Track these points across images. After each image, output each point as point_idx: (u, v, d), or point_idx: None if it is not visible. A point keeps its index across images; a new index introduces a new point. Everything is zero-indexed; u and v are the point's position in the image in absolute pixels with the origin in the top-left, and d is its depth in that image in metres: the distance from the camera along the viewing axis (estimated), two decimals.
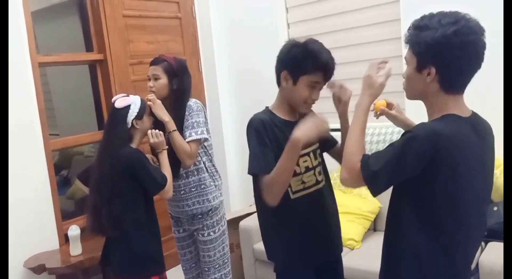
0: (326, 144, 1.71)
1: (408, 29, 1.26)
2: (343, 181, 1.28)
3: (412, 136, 1.18)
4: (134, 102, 1.95)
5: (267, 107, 1.67)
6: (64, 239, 2.72)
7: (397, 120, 1.55)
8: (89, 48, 3.09)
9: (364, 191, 2.85)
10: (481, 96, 2.50)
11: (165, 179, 1.94)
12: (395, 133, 2.79)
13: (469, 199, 1.25)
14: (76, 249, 2.53)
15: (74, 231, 2.53)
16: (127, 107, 1.93)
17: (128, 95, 1.99)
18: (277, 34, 3.41)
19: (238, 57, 3.63)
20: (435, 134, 1.16)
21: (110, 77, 3.04)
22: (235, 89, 3.69)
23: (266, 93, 3.48)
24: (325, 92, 1.71)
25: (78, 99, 3.67)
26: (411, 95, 1.32)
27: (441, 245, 1.25)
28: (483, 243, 2.26)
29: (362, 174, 1.22)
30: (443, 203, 1.22)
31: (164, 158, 2.02)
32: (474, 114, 1.29)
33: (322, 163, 1.69)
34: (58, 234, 2.73)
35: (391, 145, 1.23)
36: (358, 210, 2.70)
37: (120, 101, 1.95)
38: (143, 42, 3.25)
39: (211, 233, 2.23)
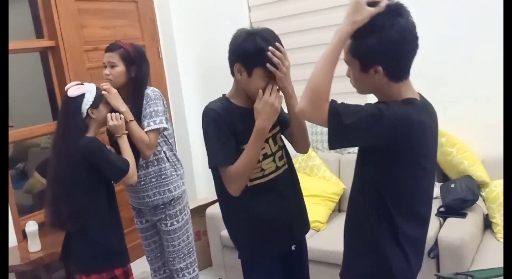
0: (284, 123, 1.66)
1: None
2: (301, 112, 1.20)
3: (390, 113, 1.15)
4: (89, 90, 1.87)
5: (224, 95, 1.63)
6: (22, 235, 2.62)
7: None
8: (39, 34, 2.94)
9: (329, 173, 2.88)
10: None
11: (126, 164, 1.89)
12: None
13: (429, 177, 1.29)
14: (34, 245, 2.44)
15: (31, 226, 2.44)
16: (82, 96, 1.85)
17: (82, 83, 1.91)
18: (238, 17, 3.36)
19: (200, 42, 3.55)
20: (407, 118, 1.16)
21: (63, 65, 2.91)
22: (197, 75, 3.62)
23: (230, 79, 3.47)
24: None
25: (31, 89, 3.51)
26: (363, 92, 1.30)
27: (398, 237, 1.25)
28: (441, 219, 2.33)
29: (330, 121, 1.16)
30: (406, 184, 1.24)
31: (124, 142, 1.97)
32: (421, 96, 1.31)
33: (284, 147, 1.67)
34: (16, 230, 2.63)
35: (365, 105, 1.19)
36: (322, 192, 2.73)
37: (73, 89, 1.86)
38: (97, 27, 3.11)
39: (175, 223, 2.21)
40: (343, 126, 1.15)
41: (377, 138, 1.18)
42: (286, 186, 1.63)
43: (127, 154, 1.95)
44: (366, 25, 1.15)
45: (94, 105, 1.87)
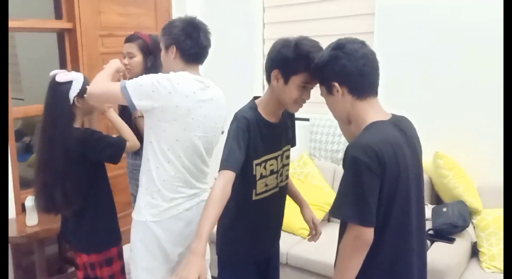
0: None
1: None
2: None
3: (354, 160, 1.21)
4: (76, 79, 1.85)
5: (254, 101, 1.61)
6: (21, 208, 2.70)
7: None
8: (58, 15, 2.99)
9: (322, 182, 2.89)
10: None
11: (120, 139, 1.91)
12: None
13: (410, 191, 1.30)
14: (32, 220, 2.52)
15: (30, 201, 2.50)
16: (69, 83, 1.83)
17: (70, 72, 1.90)
18: (252, 16, 3.38)
19: (213, 36, 3.56)
20: (369, 148, 1.21)
21: (78, 48, 2.95)
22: (206, 68, 3.63)
23: (239, 74, 3.51)
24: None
25: (45, 67, 3.57)
26: (340, 118, 1.41)
27: (383, 261, 1.29)
28: (429, 242, 2.33)
29: (352, 222, 1.24)
30: (388, 205, 1.25)
31: (113, 115, 1.95)
32: (394, 116, 1.37)
33: (288, 164, 1.71)
34: (15, 202, 2.70)
35: (342, 181, 1.26)
36: (313, 201, 2.72)
37: (62, 75, 1.84)
38: (114, 13, 3.15)
39: None
40: (353, 216, 1.23)
41: (375, 189, 1.22)
42: (276, 203, 1.69)
43: (120, 126, 1.95)
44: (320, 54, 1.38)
45: (80, 94, 1.83)
